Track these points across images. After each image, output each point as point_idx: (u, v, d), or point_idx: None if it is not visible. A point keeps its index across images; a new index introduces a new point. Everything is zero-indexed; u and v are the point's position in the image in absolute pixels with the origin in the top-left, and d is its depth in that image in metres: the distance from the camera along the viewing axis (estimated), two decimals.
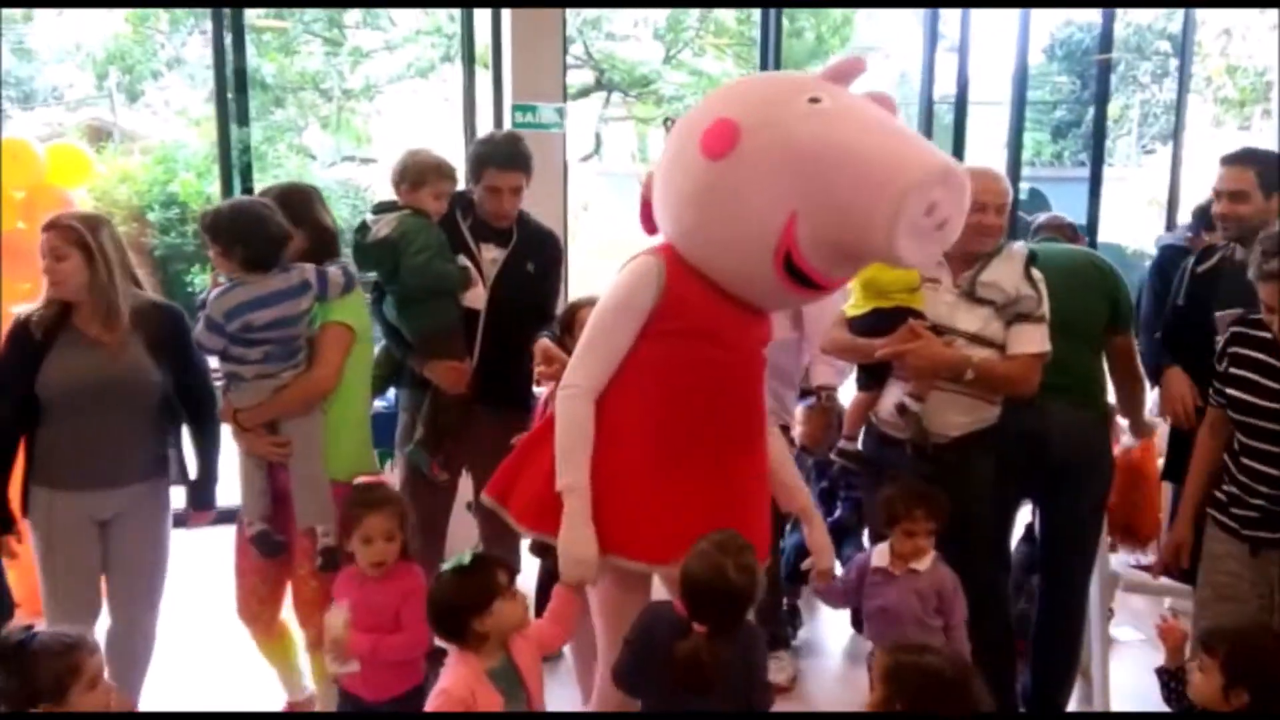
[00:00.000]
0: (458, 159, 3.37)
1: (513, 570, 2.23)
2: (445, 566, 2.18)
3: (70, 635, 2.11)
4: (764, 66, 5.95)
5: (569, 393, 2.33)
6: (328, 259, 2.80)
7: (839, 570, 2.86)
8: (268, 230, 2.65)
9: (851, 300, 2.88)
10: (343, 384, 2.77)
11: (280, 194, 2.85)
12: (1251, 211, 2.83)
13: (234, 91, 5.04)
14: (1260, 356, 2.47)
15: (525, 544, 2.94)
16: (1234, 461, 2.55)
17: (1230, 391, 2.53)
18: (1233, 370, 2.52)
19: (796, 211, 2.13)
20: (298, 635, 3.00)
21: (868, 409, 2.99)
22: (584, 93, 13.80)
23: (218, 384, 2.77)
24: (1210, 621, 2.48)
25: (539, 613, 3.19)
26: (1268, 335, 2.47)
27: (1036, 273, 2.79)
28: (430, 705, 2.14)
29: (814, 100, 2.15)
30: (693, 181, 2.24)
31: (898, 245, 2.05)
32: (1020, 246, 2.84)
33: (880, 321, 2.78)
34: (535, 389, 3.24)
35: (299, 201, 2.83)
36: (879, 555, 2.70)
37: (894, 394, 2.85)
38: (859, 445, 3.08)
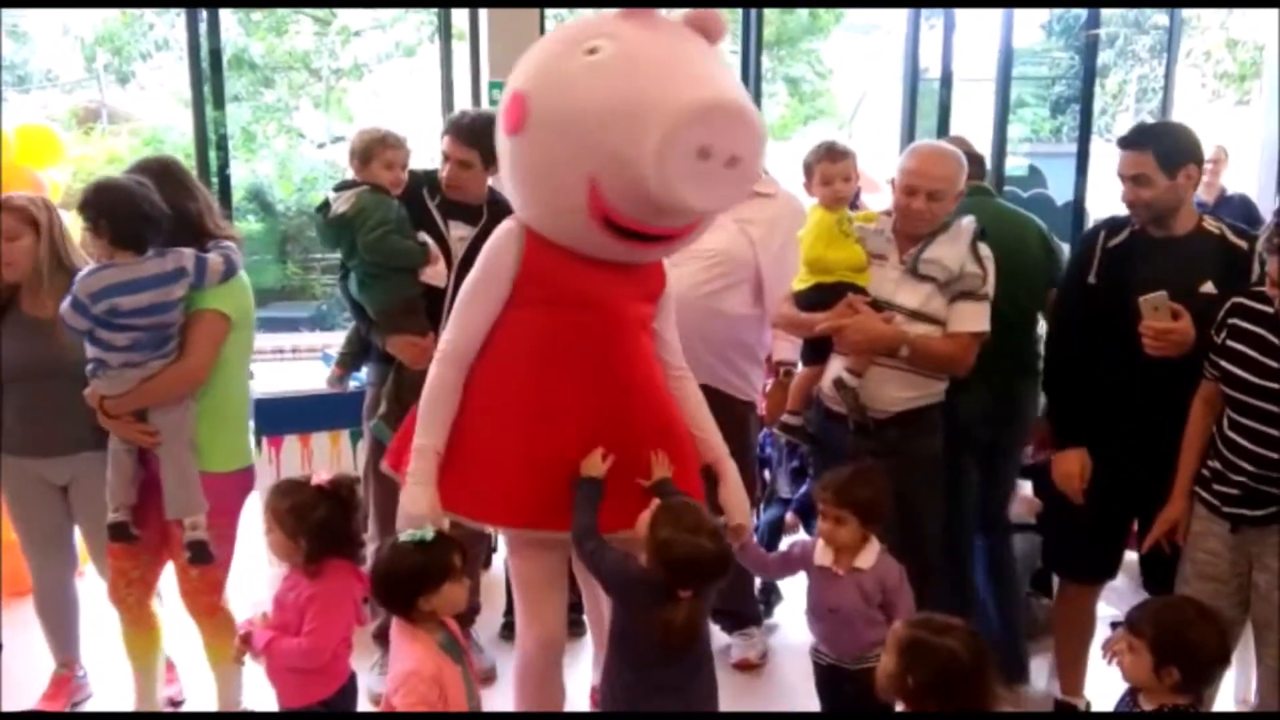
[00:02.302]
0: (436, 137, 3.36)
1: (466, 552, 2.23)
2: (404, 538, 2.16)
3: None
4: (745, 44, 5.91)
5: (437, 355, 2.38)
6: (195, 244, 2.69)
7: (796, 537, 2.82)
8: (137, 208, 2.54)
9: (798, 276, 2.86)
10: (218, 373, 2.71)
11: (145, 170, 2.72)
12: (1154, 195, 2.63)
13: (211, 72, 5.02)
14: (1259, 331, 2.41)
15: None
16: (1220, 437, 2.51)
17: (1225, 365, 2.47)
18: (1230, 343, 2.46)
19: (594, 174, 2.08)
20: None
21: (812, 384, 2.96)
22: None
23: (88, 367, 2.64)
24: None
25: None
26: (1269, 310, 2.41)
27: (984, 249, 2.78)
28: (401, 689, 2.09)
29: (591, 52, 2.09)
30: (505, 159, 2.28)
31: (678, 193, 2.02)
32: (969, 223, 2.81)
33: (822, 296, 2.77)
34: None
35: (163, 180, 2.69)
36: (821, 552, 2.58)
37: (835, 369, 2.83)
38: (803, 420, 3.03)
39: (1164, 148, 2.64)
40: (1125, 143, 2.71)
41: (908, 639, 2.01)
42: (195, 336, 2.66)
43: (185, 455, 2.67)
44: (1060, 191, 10.20)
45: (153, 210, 2.57)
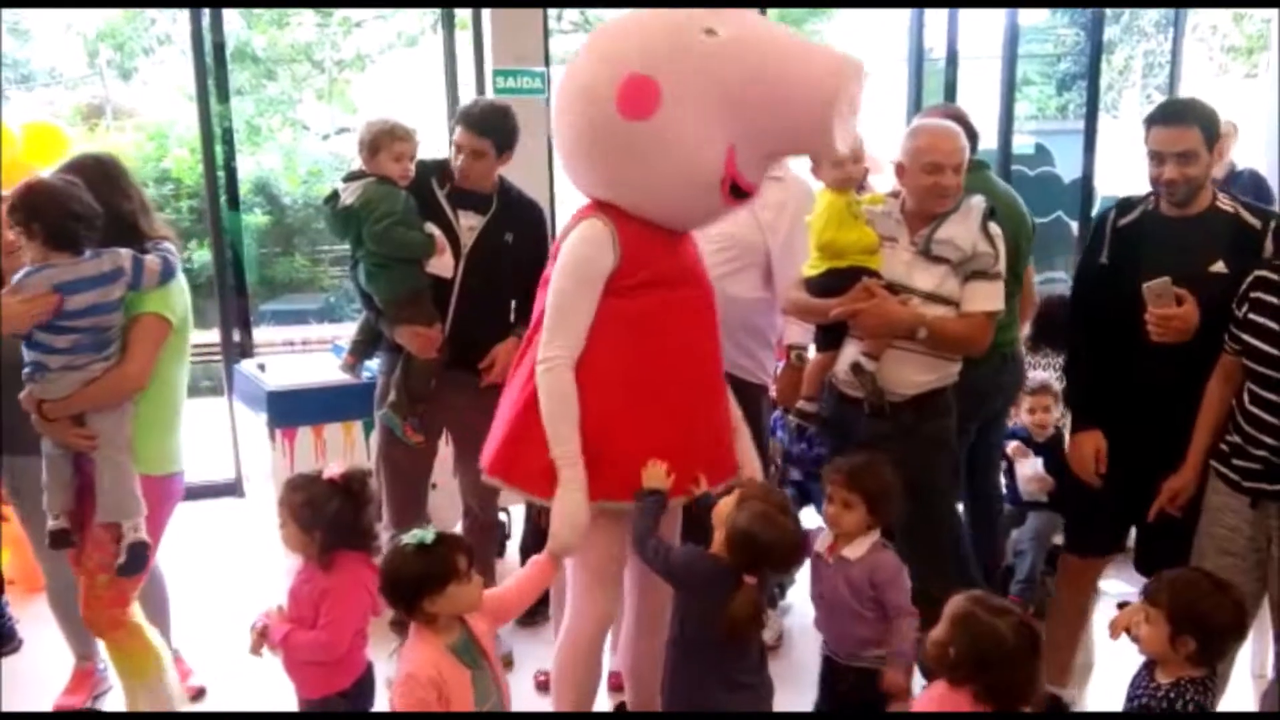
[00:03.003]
0: (440, 126, 3.38)
1: (472, 554, 2.21)
2: (406, 540, 2.16)
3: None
4: None
5: (548, 366, 2.38)
6: (130, 245, 2.60)
7: None
8: (66, 206, 2.46)
9: (809, 261, 2.86)
10: (156, 377, 2.64)
11: (78, 168, 2.65)
12: (1199, 172, 2.58)
13: (215, 66, 5.01)
14: None
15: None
16: (1241, 411, 2.50)
17: (1246, 338, 2.46)
18: (1252, 316, 2.44)
19: (733, 144, 2.28)
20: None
21: (826, 369, 2.97)
22: None
23: (25, 370, 2.57)
24: None
25: None
26: None
27: (995, 228, 2.77)
28: (397, 690, 2.10)
29: (710, 32, 2.25)
30: (621, 144, 2.29)
31: (835, 140, 2.26)
32: (979, 201, 2.80)
33: (836, 281, 2.76)
34: None
35: (96, 179, 2.61)
36: (822, 539, 2.60)
37: (850, 353, 2.83)
38: (818, 406, 3.04)
39: (1207, 122, 2.60)
40: (1170, 118, 2.62)
41: (961, 611, 2.03)
42: (136, 340, 2.59)
43: (123, 458, 2.59)
44: (1067, 169, 10.15)
45: (84, 209, 2.49)
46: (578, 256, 2.38)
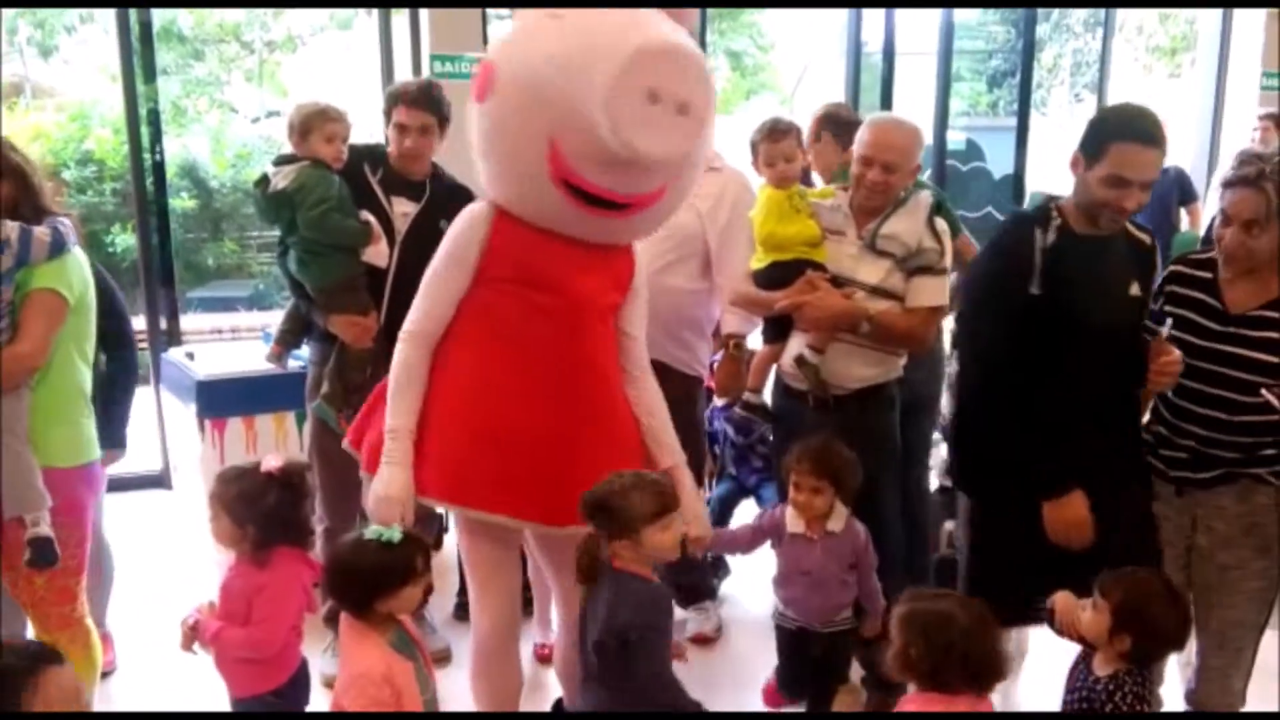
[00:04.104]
0: (375, 111, 3.30)
1: (429, 554, 2.18)
2: (370, 536, 2.10)
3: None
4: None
5: (403, 335, 2.37)
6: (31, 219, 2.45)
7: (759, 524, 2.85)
8: None
9: (754, 255, 2.86)
10: (54, 359, 2.48)
11: None
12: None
13: (140, 46, 4.86)
14: (1199, 296, 2.42)
15: None
16: (1164, 402, 2.52)
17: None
18: (1169, 309, 2.46)
19: (554, 134, 2.11)
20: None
21: (772, 362, 2.99)
22: None
23: None
24: None
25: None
26: (1208, 275, 2.42)
27: (941, 223, 2.78)
28: (350, 692, 2.04)
29: (554, 16, 2.14)
30: (474, 128, 2.28)
31: (629, 138, 2.05)
32: (926, 196, 2.82)
33: (780, 274, 2.78)
34: None
35: None
36: (792, 520, 2.70)
37: (796, 346, 2.84)
38: (765, 398, 3.07)
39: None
40: (1148, 138, 2.32)
41: (904, 612, 2.04)
42: (29, 317, 2.42)
43: (21, 448, 2.41)
44: (997, 165, 10.34)
45: None
46: (452, 232, 2.37)
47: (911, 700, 2.08)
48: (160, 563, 4.04)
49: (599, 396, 2.41)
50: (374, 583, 2.06)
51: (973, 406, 2.58)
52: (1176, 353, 2.38)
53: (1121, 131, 2.33)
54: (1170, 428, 2.51)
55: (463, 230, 2.34)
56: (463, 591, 3.50)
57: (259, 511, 2.24)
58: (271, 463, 2.30)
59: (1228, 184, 2.34)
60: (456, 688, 2.67)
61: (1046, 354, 2.39)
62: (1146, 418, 2.61)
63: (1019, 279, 2.39)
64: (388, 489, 2.28)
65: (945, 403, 3.47)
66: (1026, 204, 6.15)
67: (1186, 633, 2.24)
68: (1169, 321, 2.44)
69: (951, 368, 3.15)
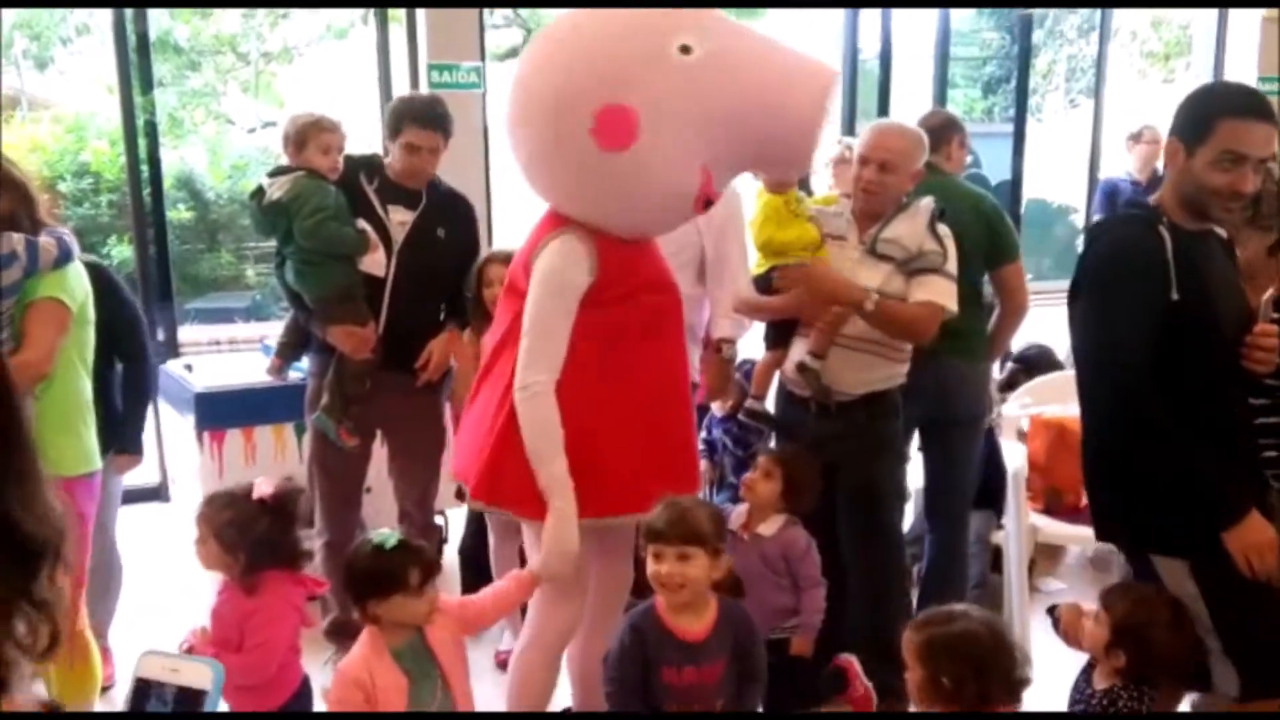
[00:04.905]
0: (372, 121, 3.31)
1: (430, 570, 2.15)
2: (372, 538, 2.13)
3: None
4: None
5: (530, 392, 2.28)
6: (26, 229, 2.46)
7: None
8: None
9: (754, 261, 2.87)
10: (57, 368, 2.50)
11: None
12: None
13: (137, 57, 4.86)
14: None
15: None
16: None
17: None
18: None
19: (708, 163, 2.26)
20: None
21: (775, 369, 2.99)
22: (513, 53, 13.56)
23: None
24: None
25: (464, 574, 3.18)
26: None
27: (943, 228, 2.79)
28: (330, 689, 2.09)
29: (685, 50, 2.17)
30: (599, 174, 2.24)
31: (815, 149, 2.32)
32: (928, 202, 2.82)
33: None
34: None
35: None
36: (736, 517, 2.74)
37: (798, 353, 2.84)
38: (768, 405, 3.06)
39: None
40: (1266, 112, 2.12)
41: (921, 640, 1.93)
42: (34, 326, 2.44)
43: None
44: (994, 171, 10.35)
45: None
46: (551, 274, 2.31)
47: None
48: (158, 576, 4.01)
49: (685, 372, 2.58)
50: (364, 585, 2.08)
51: (1135, 434, 2.22)
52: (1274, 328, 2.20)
53: (1230, 107, 2.13)
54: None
55: (565, 268, 2.30)
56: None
57: (250, 540, 2.22)
58: (264, 488, 2.27)
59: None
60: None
61: (1196, 364, 2.19)
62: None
63: (1160, 286, 2.16)
64: (572, 544, 2.29)
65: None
66: (1099, 192, 6.05)
67: (1190, 665, 2.12)
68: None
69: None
